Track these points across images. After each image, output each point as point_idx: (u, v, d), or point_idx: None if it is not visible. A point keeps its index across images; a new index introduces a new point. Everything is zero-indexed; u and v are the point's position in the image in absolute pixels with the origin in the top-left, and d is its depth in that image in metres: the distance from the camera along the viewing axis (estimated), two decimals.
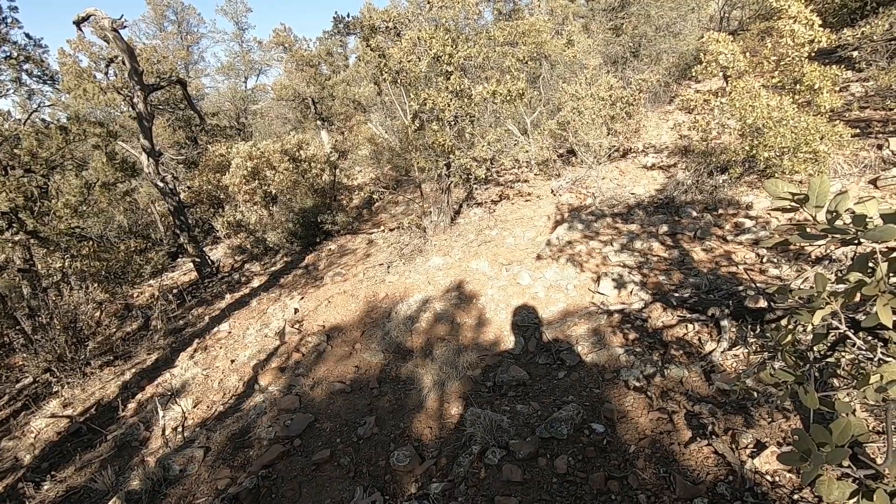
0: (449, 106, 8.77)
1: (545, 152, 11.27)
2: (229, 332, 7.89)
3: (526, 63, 11.23)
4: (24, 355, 7.12)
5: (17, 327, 7.35)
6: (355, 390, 5.51)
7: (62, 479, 5.00)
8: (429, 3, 10.11)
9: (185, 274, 12.43)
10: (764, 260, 5.68)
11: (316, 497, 3.98)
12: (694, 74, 8.39)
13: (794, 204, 1.48)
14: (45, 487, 4.89)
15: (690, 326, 4.85)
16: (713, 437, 3.44)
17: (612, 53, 15.18)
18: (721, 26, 16.10)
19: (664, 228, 7.16)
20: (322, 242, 11.62)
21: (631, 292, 5.87)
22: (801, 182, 6.74)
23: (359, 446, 4.51)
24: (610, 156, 10.72)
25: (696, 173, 8.40)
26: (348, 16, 22.73)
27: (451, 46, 8.90)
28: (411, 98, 9.76)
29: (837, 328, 1.78)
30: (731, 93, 7.46)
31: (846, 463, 1.46)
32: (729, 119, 7.92)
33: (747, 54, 8.81)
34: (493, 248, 8.39)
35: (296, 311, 8.00)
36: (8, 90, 8.52)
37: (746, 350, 4.15)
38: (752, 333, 4.25)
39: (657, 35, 14.77)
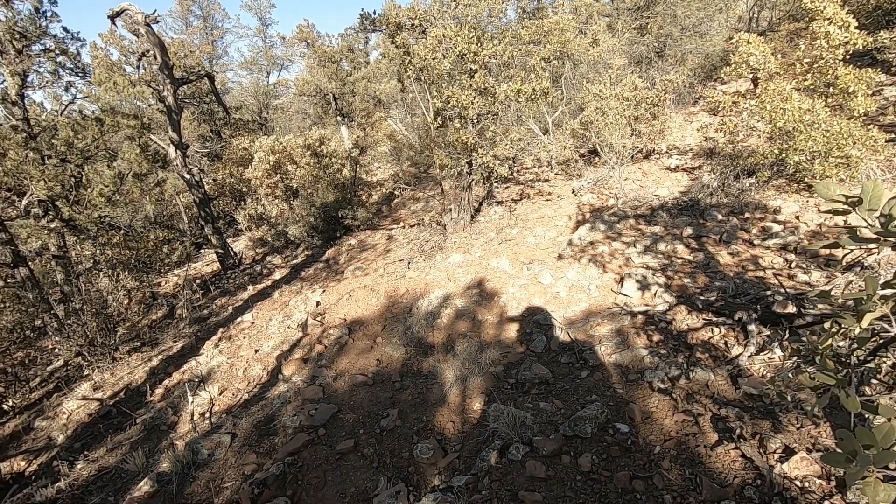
0: (472, 104, 8.79)
1: (567, 152, 11.22)
2: (252, 323, 8.04)
3: (549, 62, 11.19)
4: (57, 339, 7.36)
5: (51, 312, 7.59)
6: (377, 383, 5.58)
7: (94, 458, 5.17)
8: (454, 0, 10.15)
9: (207, 265, 12.68)
10: (792, 265, 5.60)
11: (340, 485, 4.05)
12: (722, 76, 8.29)
13: (846, 206, 1.49)
14: (79, 466, 5.06)
15: (716, 330, 4.82)
16: (741, 440, 3.42)
17: (637, 53, 15.04)
18: (750, 27, 15.82)
19: (689, 231, 7.10)
20: (342, 237, 11.74)
21: (655, 294, 5.84)
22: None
23: (382, 438, 4.58)
24: (633, 157, 10.64)
25: (722, 176, 8.30)
26: (374, 13, 22.83)
27: (477, 44, 8.93)
28: (434, 95, 9.80)
29: (882, 332, 1.78)
30: (760, 95, 7.35)
31: (893, 466, 1.47)
32: (758, 122, 7.82)
33: (777, 56, 8.67)
34: (513, 247, 8.40)
35: (317, 303, 8.12)
36: (46, 82, 8.78)
37: (780, 354, 4.11)
38: (783, 338, 4.21)
39: (683, 35, 14.60)
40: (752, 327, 4.53)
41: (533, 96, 8.94)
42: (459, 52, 8.93)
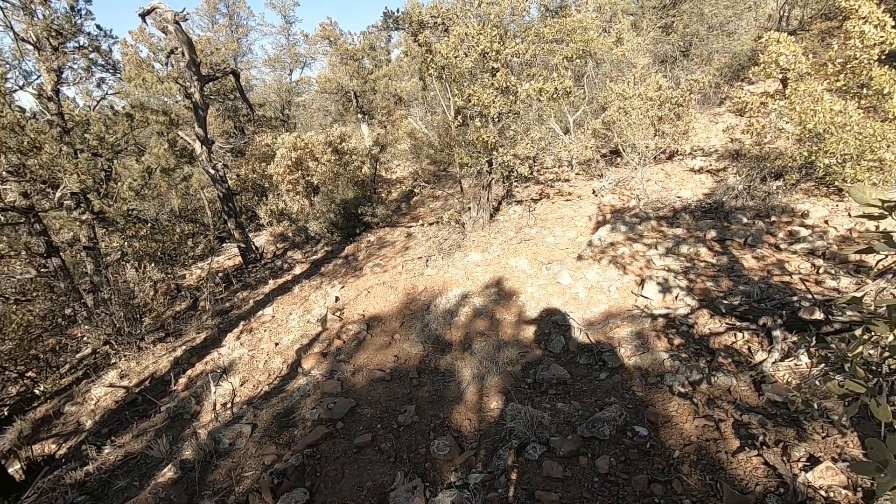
0: (494, 102, 8.77)
1: (588, 152, 11.13)
2: (273, 317, 8.18)
3: (572, 61, 11.10)
4: (86, 327, 7.60)
5: (81, 301, 7.83)
6: (395, 379, 5.63)
7: (121, 444, 5.33)
8: None
9: (230, 258, 12.92)
10: (820, 270, 5.47)
11: (358, 478, 4.11)
12: (749, 76, 8.12)
13: (882, 211, 1.46)
14: (106, 451, 5.22)
15: (739, 335, 4.74)
16: (763, 447, 3.37)
17: (662, 52, 14.81)
18: (780, 26, 15.44)
19: (712, 234, 6.99)
20: (362, 234, 11.85)
21: (676, 297, 5.76)
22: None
23: (399, 433, 4.62)
24: (656, 157, 10.50)
25: (748, 178, 8.14)
26: (397, 11, 22.93)
27: (499, 43, 8.90)
28: (455, 94, 9.81)
29: None
30: (790, 96, 7.18)
31: None
32: (786, 123, 7.64)
33: (809, 56, 8.45)
34: (532, 247, 8.38)
35: (336, 299, 8.21)
36: (80, 78, 9.05)
37: (807, 361, 4.03)
38: (809, 344, 4.12)
39: (710, 34, 14.32)
40: (776, 333, 4.44)
41: (555, 95, 8.88)
42: (482, 50, 8.92)
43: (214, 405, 5.67)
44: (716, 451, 3.48)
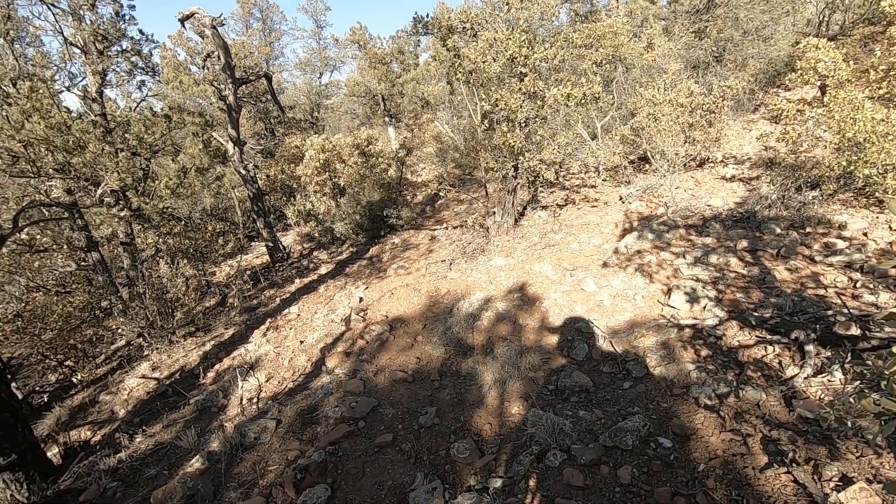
0: (521, 107, 8.77)
1: (616, 158, 10.99)
2: (298, 315, 8.34)
3: (601, 66, 11.00)
4: (121, 320, 7.90)
5: (117, 294, 8.15)
6: (416, 380, 5.67)
7: (152, 434, 5.53)
8: (507, 3, 10.15)
9: (258, 257, 13.22)
10: (858, 284, 5.29)
11: (378, 477, 4.15)
12: (786, 82, 7.90)
13: None
14: (138, 440, 5.42)
15: (770, 348, 4.62)
16: (793, 465, 3.28)
17: (694, 58, 14.53)
18: (819, 31, 14.97)
19: (743, 244, 6.82)
20: (386, 236, 11.97)
21: (704, 307, 5.65)
22: None
23: (420, 434, 4.65)
24: (686, 164, 10.31)
25: (783, 187, 7.92)
26: (427, 16, 23.17)
27: (528, 48, 8.90)
28: (482, 98, 9.84)
29: None
30: (828, 103, 6.96)
31: None
32: (824, 131, 7.41)
33: (849, 62, 8.18)
34: (556, 253, 8.33)
35: (360, 299, 8.32)
36: (122, 80, 9.45)
37: (841, 377, 3.90)
38: (844, 360, 3.99)
39: (745, 39, 13.98)
40: (809, 347, 4.31)
41: (583, 101, 8.82)
42: (510, 55, 8.93)
43: (241, 399, 5.82)
44: (743, 466, 3.41)
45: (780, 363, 4.43)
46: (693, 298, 5.86)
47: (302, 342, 7.28)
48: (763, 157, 9.86)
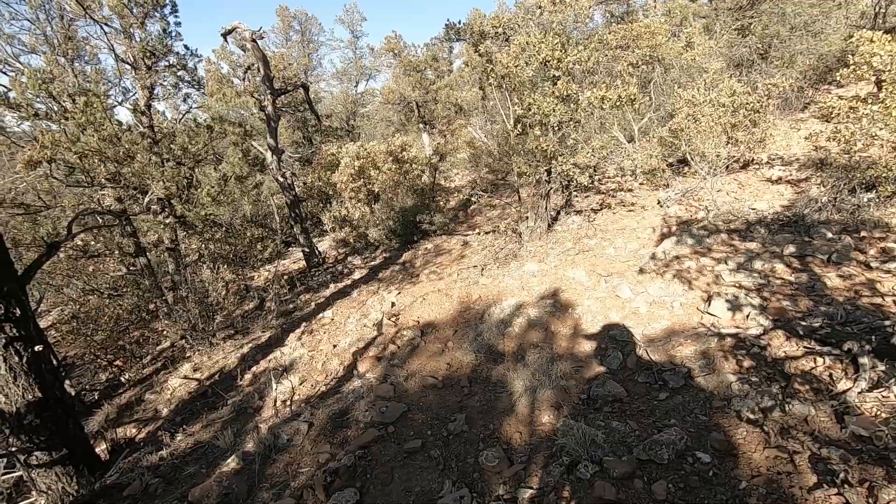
0: (554, 111, 8.66)
1: (653, 161, 10.67)
2: (332, 319, 8.48)
3: (638, 67, 10.74)
4: (166, 322, 8.25)
5: (162, 298, 8.53)
6: (446, 386, 5.66)
7: (191, 433, 5.73)
8: (539, 7, 10.07)
9: (294, 262, 13.56)
10: None
11: (406, 483, 4.15)
12: (838, 78, 7.48)
13: None
14: (178, 438, 5.63)
15: (820, 360, 4.35)
16: (844, 486, 3.06)
17: (737, 56, 13.98)
18: (875, 24, 14.12)
19: (790, 249, 6.47)
20: (419, 241, 12.04)
21: (748, 316, 5.38)
22: None
23: (448, 441, 4.63)
24: (728, 167, 9.90)
25: (834, 189, 7.48)
26: (459, 22, 23.34)
27: (561, 51, 8.79)
28: (515, 103, 9.78)
29: None
30: (885, 99, 6.54)
31: None
32: (880, 129, 6.95)
33: None
34: (591, 258, 8.15)
35: (392, 304, 8.38)
36: (169, 94, 9.94)
37: None
38: None
39: (792, 35, 13.35)
40: (864, 360, 4.03)
41: (618, 103, 8.63)
42: (543, 59, 8.84)
43: (275, 402, 5.95)
44: (789, 485, 3.21)
45: (830, 376, 4.16)
46: (735, 306, 5.60)
47: (335, 346, 7.40)
48: (812, 157, 9.35)
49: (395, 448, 4.61)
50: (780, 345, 4.77)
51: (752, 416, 3.91)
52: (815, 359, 4.39)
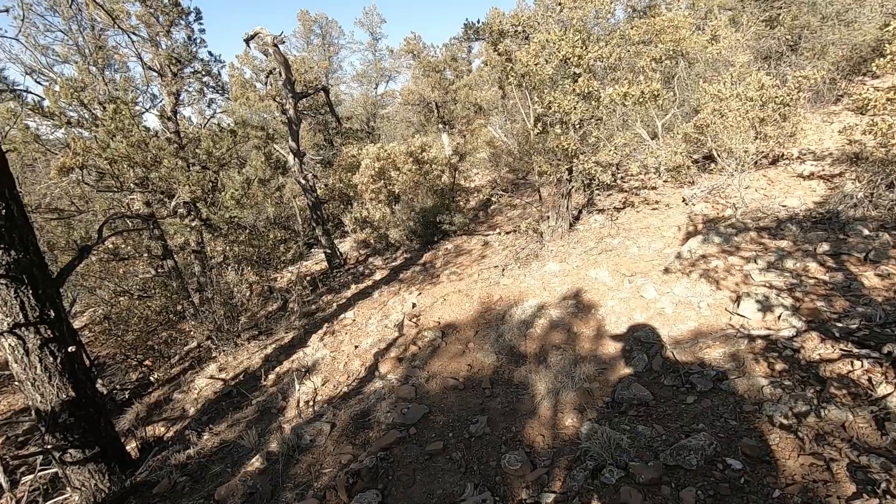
0: (575, 109, 8.54)
1: (678, 157, 10.42)
2: (354, 320, 8.54)
3: (661, 62, 10.50)
4: (193, 323, 8.43)
5: (189, 299, 8.72)
6: (468, 388, 5.63)
7: (217, 432, 5.83)
8: (559, 4, 9.94)
9: (316, 263, 13.72)
10: None
11: (428, 485, 4.14)
12: (873, 69, 7.17)
13: None
14: (205, 437, 5.74)
15: (857, 363, 4.17)
16: (886, 496, 2.92)
17: (765, 48, 13.57)
18: None
19: (824, 247, 6.24)
20: (439, 242, 12.03)
21: (779, 317, 5.20)
22: None
23: (470, 443, 4.60)
24: (756, 162, 9.60)
25: (871, 185, 7.17)
26: (478, 22, 23.29)
27: (581, 48, 8.66)
28: (535, 101, 9.69)
29: None
30: None
31: None
32: None
33: None
34: (614, 258, 8.01)
35: (413, 305, 8.39)
36: (194, 99, 10.17)
37: None
38: None
39: (824, 25, 12.88)
40: None
41: (641, 99, 8.45)
42: (563, 56, 8.73)
43: (298, 402, 6.02)
44: (825, 494, 3.08)
45: (869, 380, 3.98)
46: (766, 307, 5.42)
47: (356, 347, 7.45)
48: (847, 151, 8.99)
49: (417, 450, 4.60)
50: (815, 347, 4.59)
51: (785, 422, 3.78)
52: (852, 362, 4.21)
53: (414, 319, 7.80)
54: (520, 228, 10.38)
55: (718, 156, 9.13)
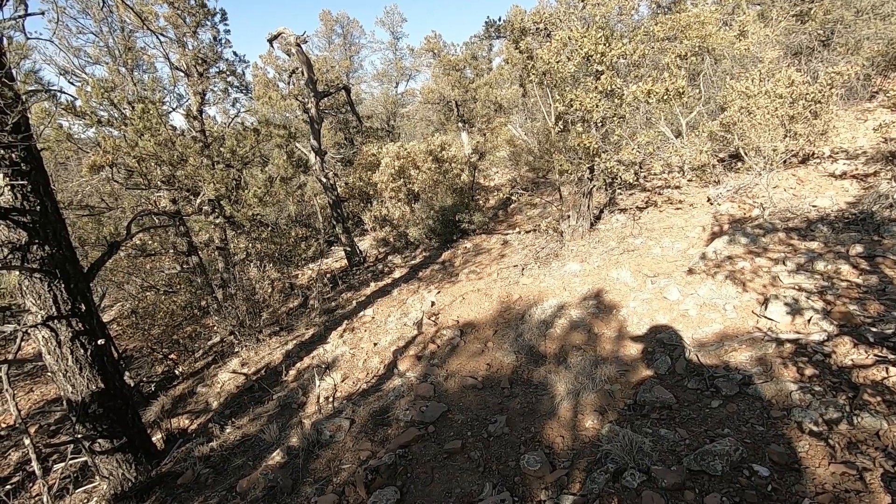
0: (597, 107, 8.43)
1: (703, 156, 10.19)
2: (373, 318, 8.59)
3: (686, 59, 10.29)
4: (216, 318, 8.60)
5: (213, 295, 8.90)
6: (486, 387, 5.61)
7: (239, 426, 5.94)
8: (582, 0, 9.82)
9: (336, 261, 13.85)
10: None
11: (446, 484, 4.13)
12: None
13: None
14: (227, 431, 5.85)
15: (893, 370, 4.01)
16: None
17: (796, 44, 13.17)
18: None
19: (857, 249, 6.02)
20: (458, 240, 12.02)
21: (809, 320, 5.05)
22: None
23: (489, 443, 4.58)
24: (786, 161, 9.34)
25: None
26: (499, 19, 23.19)
27: (604, 45, 8.54)
28: (556, 99, 9.59)
29: None
30: None
31: None
32: None
33: None
34: (636, 258, 7.88)
35: (432, 304, 8.40)
36: (219, 99, 10.36)
37: None
38: None
39: (858, 19, 12.44)
40: None
41: (665, 97, 8.29)
42: (585, 53, 8.62)
43: (318, 398, 6.08)
44: None
45: None
46: (795, 310, 5.26)
47: (375, 344, 7.49)
48: (882, 150, 8.68)
49: (436, 448, 4.61)
50: (847, 352, 4.44)
51: (815, 429, 3.66)
52: (887, 368, 4.06)
53: (433, 318, 7.80)
54: (540, 227, 10.30)
55: (745, 154, 8.91)
